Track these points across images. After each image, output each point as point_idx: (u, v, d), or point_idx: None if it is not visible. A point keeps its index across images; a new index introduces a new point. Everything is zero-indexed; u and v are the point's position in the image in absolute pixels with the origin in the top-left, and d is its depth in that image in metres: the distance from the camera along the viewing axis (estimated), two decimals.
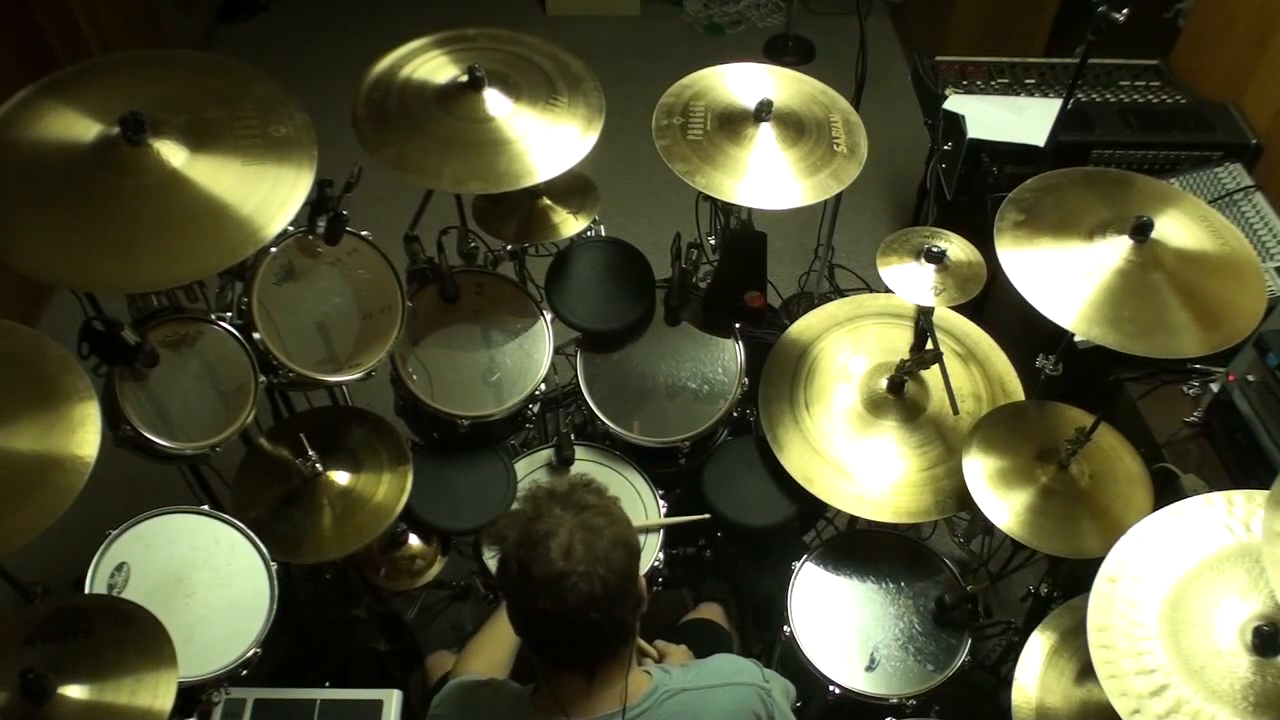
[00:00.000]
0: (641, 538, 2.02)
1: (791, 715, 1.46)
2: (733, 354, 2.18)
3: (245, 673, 1.70)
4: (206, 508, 1.82)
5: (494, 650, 1.73)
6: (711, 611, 2.12)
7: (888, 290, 1.92)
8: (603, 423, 2.11)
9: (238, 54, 1.83)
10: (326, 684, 1.85)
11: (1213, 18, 2.80)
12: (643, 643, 1.74)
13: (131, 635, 1.49)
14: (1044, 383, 2.05)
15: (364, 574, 2.08)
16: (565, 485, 1.30)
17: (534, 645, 1.32)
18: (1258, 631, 1.34)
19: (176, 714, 1.45)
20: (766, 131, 2.00)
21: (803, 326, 2.19)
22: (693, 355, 2.19)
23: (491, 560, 2.01)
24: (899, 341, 2.13)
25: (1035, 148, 2.50)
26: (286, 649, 2.14)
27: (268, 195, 1.64)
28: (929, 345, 1.96)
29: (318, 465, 1.87)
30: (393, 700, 1.80)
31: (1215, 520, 1.48)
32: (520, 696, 1.38)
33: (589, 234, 2.24)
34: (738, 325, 2.20)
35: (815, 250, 3.10)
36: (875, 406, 2.04)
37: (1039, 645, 1.76)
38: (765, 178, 1.95)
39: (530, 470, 2.13)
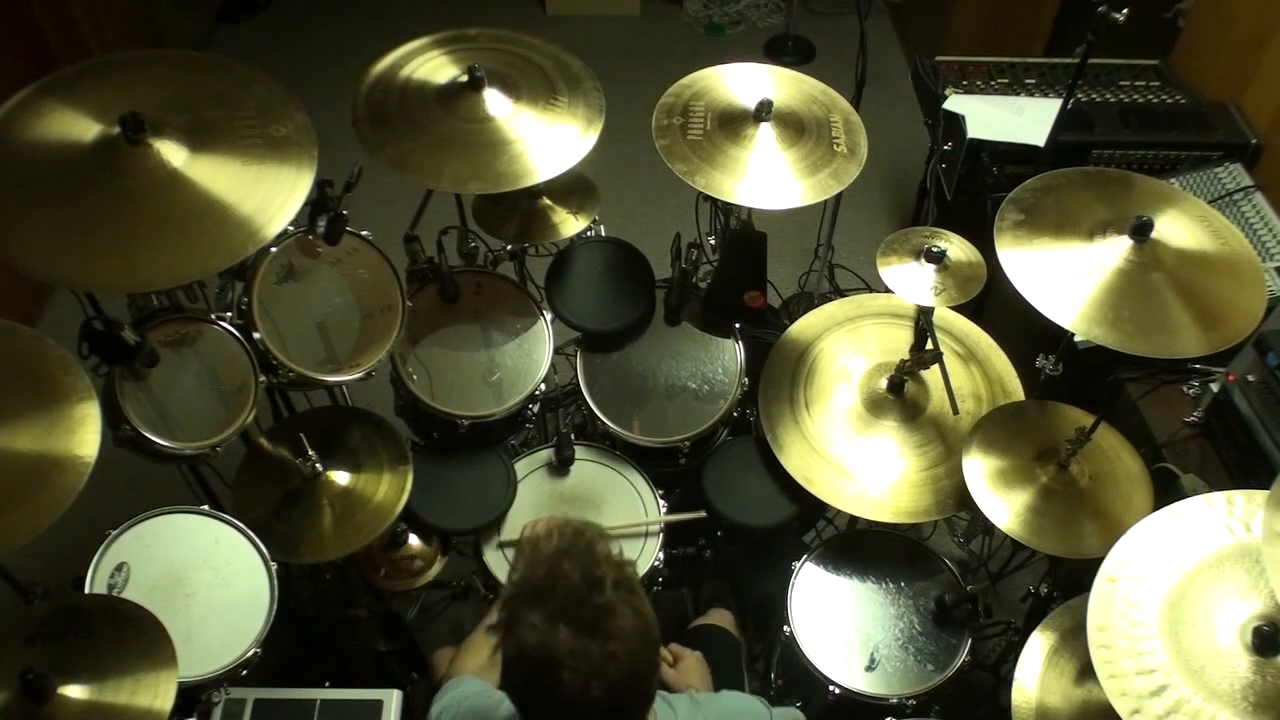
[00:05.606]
0: (641, 538, 2.04)
1: None
2: (733, 354, 2.18)
3: (245, 673, 1.70)
4: (206, 508, 1.82)
5: (491, 649, 1.72)
6: (722, 619, 2.11)
7: (888, 290, 1.92)
8: (603, 423, 2.11)
9: (238, 54, 1.83)
10: (326, 684, 1.85)
11: (1213, 18, 2.80)
12: None
13: (131, 635, 1.49)
14: (1044, 383, 2.04)
15: (364, 574, 2.07)
16: (580, 556, 1.08)
17: None
18: (1258, 631, 1.34)
19: (176, 714, 1.45)
20: (766, 131, 2.00)
21: (803, 326, 2.19)
22: (693, 355, 2.19)
23: (491, 561, 2.00)
24: (899, 341, 2.13)
25: (1035, 148, 2.50)
26: (286, 649, 2.14)
27: (268, 195, 1.64)
28: (929, 345, 1.96)
29: (318, 465, 1.87)
30: (393, 700, 1.80)
31: (1215, 520, 1.48)
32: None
33: (589, 234, 2.24)
34: (738, 325, 2.20)
35: (815, 250, 3.10)
36: (875, 406, 2.03)
37: (1039, 645, 1.76)
38: (765, 178, 1.95)
39: (530, 470, 2.13)
